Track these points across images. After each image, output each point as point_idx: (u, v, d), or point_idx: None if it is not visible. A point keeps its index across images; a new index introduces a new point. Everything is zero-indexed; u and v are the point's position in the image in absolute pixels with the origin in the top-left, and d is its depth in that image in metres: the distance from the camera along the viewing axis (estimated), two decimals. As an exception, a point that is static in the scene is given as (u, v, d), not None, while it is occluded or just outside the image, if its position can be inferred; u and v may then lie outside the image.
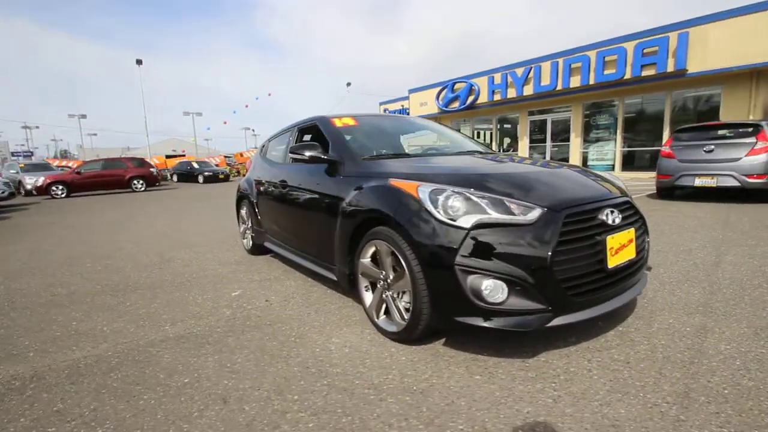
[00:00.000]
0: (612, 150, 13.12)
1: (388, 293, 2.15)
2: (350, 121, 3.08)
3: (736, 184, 6.16)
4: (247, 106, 53.08)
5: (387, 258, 2.11)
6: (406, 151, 3.10)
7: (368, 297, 2.35)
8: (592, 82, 12.08)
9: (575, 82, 12.54)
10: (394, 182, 2.11)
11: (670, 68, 10.27)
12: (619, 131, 12.72)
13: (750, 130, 6.29)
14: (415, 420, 1.51)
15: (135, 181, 17.20)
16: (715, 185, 6.35)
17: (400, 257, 1.98)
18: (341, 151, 2.69)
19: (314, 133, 3.40)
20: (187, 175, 24.97)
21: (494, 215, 1.77)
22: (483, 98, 15.84)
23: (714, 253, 3.59)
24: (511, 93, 14.65)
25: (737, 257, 3.44)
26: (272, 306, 2.80)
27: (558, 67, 12.92)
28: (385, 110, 23.91)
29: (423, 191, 1.93)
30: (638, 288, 2.13)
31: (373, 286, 2.35)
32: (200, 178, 23.56)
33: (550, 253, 1.71)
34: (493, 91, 15.33)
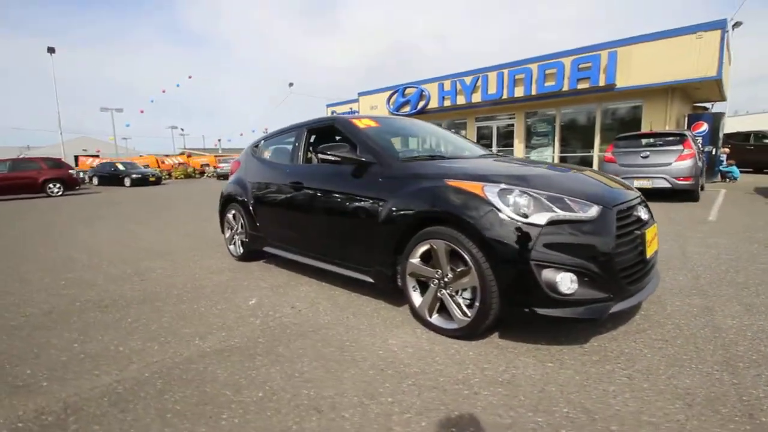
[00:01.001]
0: (550, 155, 14.34)
1: (444, 291, 2.20)
2: (372, 123, 3.07)
3: (667, 185, 7.11)
4: (164, 91, 48.48)
5: (445, 257, 2.15)
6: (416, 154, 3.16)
7: (417, 297, 2.37)
8: (534, 92, 13.13)
9: (519, 92, 13.53)
10: (454, 183, 2.17)
11: (602, 83, 11.55)
12: (556, 138, 13.96)
13: (677, 138, 7.33)
14: (521, 408, 1.58)
15: (50, 185, 15.17)
16: (650, 187, 7.26)
17: (465, 255, 2.04)
18: (375, 152, 2.68)
19: (329, 133, 3.33)
20: (111, 177, 22.64)
21: (561, 213, 1.91)
22: (433, 104, 16.41)
23: (676, 245, 4.14)
24: (461, 100, 15.38)
25: (696, 248, 4.01)
26: (302, 313, 2.69)
27: (504, 78, 13.84)
28: (333, 113, 23.72)
29: (491, 191, 2.02)
30: (658, 277, 2.41)
31: (422, 285, 2.38)
32: (127, 181, 21.49)
33: (613, 246, 1.89)
34: (443, 97, 15.97)
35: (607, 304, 1.91)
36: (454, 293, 2.17)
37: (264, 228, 3.72)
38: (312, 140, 3.46)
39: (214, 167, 32.00)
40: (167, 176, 28.88)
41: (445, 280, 2.19)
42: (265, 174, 3.71)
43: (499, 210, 1.95)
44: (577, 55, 11.91)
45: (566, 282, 1.85)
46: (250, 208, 3.84)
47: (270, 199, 3.58)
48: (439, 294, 2.23)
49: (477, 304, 2.04)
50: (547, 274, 1.85)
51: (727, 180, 11.44)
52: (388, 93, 18.45)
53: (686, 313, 2.44)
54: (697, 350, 1.98)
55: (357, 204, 2.66)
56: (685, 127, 11.56)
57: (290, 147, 3.61)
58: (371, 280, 2.65)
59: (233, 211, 4.19)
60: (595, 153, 12.80)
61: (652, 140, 7.66)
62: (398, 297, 2.82)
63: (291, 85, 33.62)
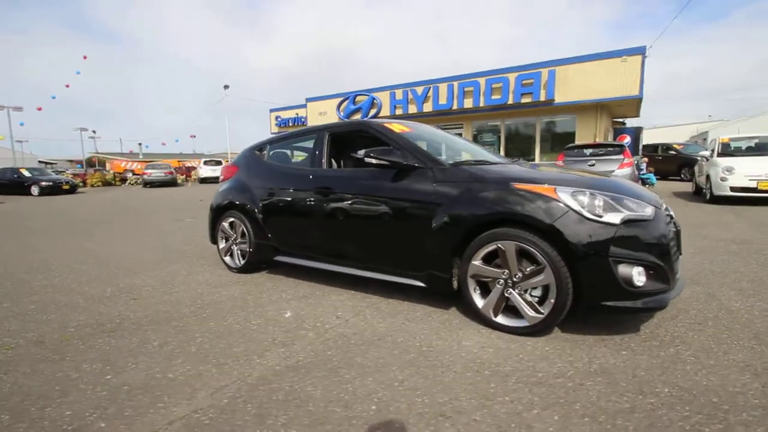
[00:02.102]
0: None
1: (513, 291, 2.28)
2: (405, 128, 3.07)
3: (612, 190, 8.00)
4: (68, 86, 42.66)
5: (513, 257, 2.24)
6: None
7: (478, 298, 2.42)
8: (481, 104, 14.01)
9: (468, 103, 14.34)
10: (522, 186, 2.26)
11: (542, 98, 12.71)
12: (501, 148, 14.99)
13: (618, 149, 8.30)
14: (629, 393, 1.70)
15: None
16: (598, 191, 8.10)
17: (538, 254, 2.14)
18: (424, 156, 2.69)
19: (354, 138, 3.25)
20: (13, 185, 19.60)
21: (630, 212, 2.10)
22: (385, 112, 16.70)
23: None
24: (412, 109, 15.85)
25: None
26: (352, 322, 2.60)
27: (453, 89, 14.57)
28: (277, 117, 23.01)
29: (564, 193, 2.15)
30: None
31: (482, 286, 2.44)
32: (34, 190, 18.77)
33: (668, 241, 2.12)
34: (395, 106, 16.33)
35: (667, 295, 2.12)
36: (522, 292, 2.26)
37: (277, 236, 3.51)
38: (335, 145, 3.36)
39: (138, 174, 29.17)
40: (81, 184, 25.65)
41: (514, 279, 2.27)
42: (280, 179, 3.51)
43: (576, 211, 2.09)
44: (521, 72, 12.97)
45: (638, 275, 2.04)
46: (258, 215, 3.60)
47: (287, 206, 3.39)
48: (506, 293, 2.30)
49: (552, 301, 2.14)
50: (623, 269, 2.02)
51: (646, 186, 13.20)
52: (338, 100, 18.40)
53: (698, 299, 2.79)
54: (728, 330, 2.28)
55: (406, 208, 2.65)
56: (612, 139, 13.13)
57: (308, 151, 3.46)
58: (422, 285, 2.65)
59: (231, 219, 3.89)
60: (537, 161, 13.97)
61: (596, 150, 8.59)
62: (444, 300, 2.86)
63: (226, 87, 31.73)
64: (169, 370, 2.04)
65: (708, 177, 7.95)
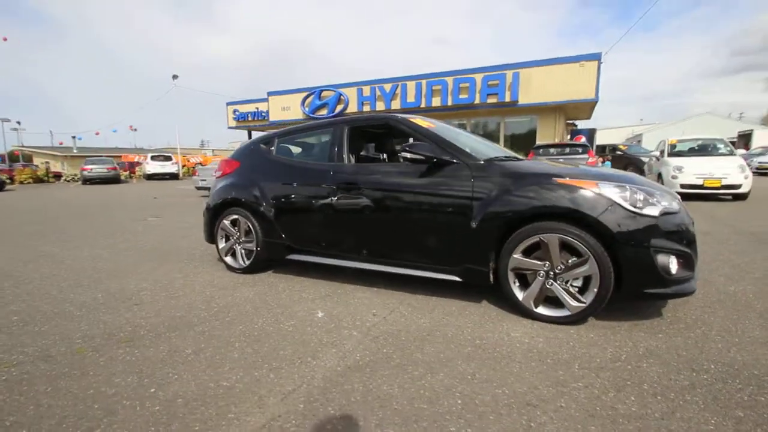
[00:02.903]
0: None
1: (555, 282, 2.37)
2: (431, 124, 3.07)
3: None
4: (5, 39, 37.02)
5: (556, 249, 2.33)
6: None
7: (518, 290, 2.49)
8: (449, 103, 14.34)
9: (436, 102, 14.61)
10: (564, 181, 2.36)
11: (507, 99, 13.26)
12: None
13: (582, 149, 8.87)
14: (684, 371, 1.84)
15: None
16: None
17: (581, 246, 2.25)
18: (459, 152, 2.71)
19: (377, 132, 3.20)
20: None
21: (664, 205, 2.26)
22: (352, 108, 16.56)
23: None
24: (380, 106, 15.86)
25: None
26: (390, 319, 2.57)
27: (422, 88, 14.77)
28: (235, 111, 22.01)
29: (606, 187, 2.27)
30: None
31: (521, 279, 2.51)
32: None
33: (693, 232, 2.31)
34: (363, 102, 16.24)
35: (694, 281, 2.32)
36: (564, 283, 2.36)
37: (293, 234, 3.37)
38: (354, 139, 3.28)
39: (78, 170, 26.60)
40: (9, 180, 22.93)
41: (556, 271, 2.36)
42: (294, 174, 3.36)
43: (620, 205, 2.21)
44: (487, 73, 13.43)
45: (674, 264, 2.21)
46: (268, 212, 3.43)
47: (305, 203, 3.26)
48: (547, 285, 2.39)
49: (595, 290, 2.26)
50: (661, 258, 2.18)
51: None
52: (303, 94, 17.99)
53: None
54: (736, 311, 2.54)
55: (443, 204, 2.66)
56: (569, 140, 14.00)
57: (324, 145, 3.36)
58: (458, 279, 2.67)
59: (233, 217, 3.68)
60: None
61: (562, 150, 9.13)
62: (473, 294, 2.91)
63: (175, 77, 29.69)
64: (220, 379, 1.90)
65: (659, 175, 8.74)
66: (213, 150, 48.99)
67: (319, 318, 2.62)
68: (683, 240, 2.26)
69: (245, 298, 3.06)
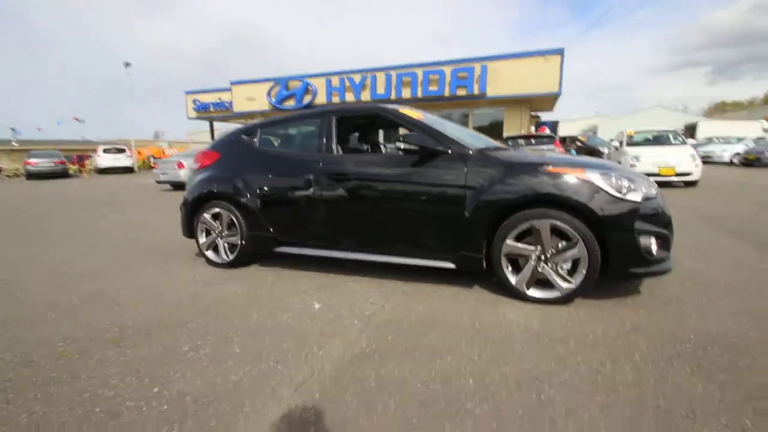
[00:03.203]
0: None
1: (546, 266, 2.49)
2: (420, 115, 3.08)
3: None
4: None
5: (548, 234, 2.44)
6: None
7: (510, 274, 2.59)
8: (419, 95, 14.42)
9: (406, 93, 14.65)
10: (554, 169, 2.46)
11: (476, 91, 13.52)
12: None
13: (549, 140, 9.24)
14: (670, 343, 2.00)
15: None
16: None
17: (570, 230, 2.37)
18: (448, 141, 2.75)
19: (365, 122, 3.18)
20: None
21: (645, 191, 2.42)
22: (321, 99, 16.27)
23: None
24: (350, 97, 15.69)
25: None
26: (387, 307, 2.60)
27: (391, 79, 14.74)
28: (195, 101, 21.03)
29: (594, 175, 2.39)
30: None
31: (513, 263, 2.61)
32: None
33: (669, 214, 2.50)
34: (332, 93, 16.00)
35: (670, 260, 2.51)
36: (554, 266, 2.48)
37: (281, 227, 3.31)
38: (341, 129, 3.24)
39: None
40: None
41: (547, 255, 2.48)
42: (281, 166, 3.29)
43: (606, 191, 2.34)
44: (456, 65, 13.61)
45: (654, 245, 2.37)
46: (254, 205, 3.34)
47: (294, 195, 3.20)
48: (539, 268, 2.51)
49: (583, 271, 2.39)
50: (644, 240, 2.34)
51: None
52: (269, 84, 17.46)
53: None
54: (705, 286, 2.77)
55: (437, 193, 2.70)
56: (534, 131, 14.51)
57: (311, 136, 3.30)
58: (452, 266, 2.74)
59: (215, 211, 3.56)
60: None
61: (531, 141, 9.47)
62: (462, 279, 2.99)
63: (127, 65, 27.81)
64: (227, 374, 1.85)
65: (619, 164, 9.27)
66: (169, 142, 46.56)
67: (317, 309, 2.61)
68: (661, 222, 2.44)
69: (234, 292, 2.98)
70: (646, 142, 9.87)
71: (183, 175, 12.19)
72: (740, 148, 16.34)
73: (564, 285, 2.45)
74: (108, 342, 2.23)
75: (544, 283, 2.54)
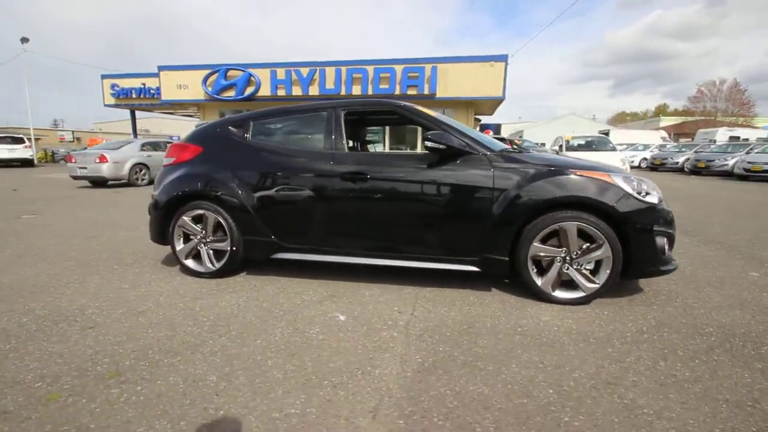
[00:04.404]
0: (382, 150, 16.02)
1: (571, 267, 2.55)
2: (433, 113, 2.98)
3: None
4: None
5: (574, 236, 2.51)
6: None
7: (536, 276, 2.62)
8: (370, 92, 14.31)
9: (357, 90, 14.44)
10: (582, 172, 2.52)
11: (426, 91, 13.77)
12: (386, 137, 15.66)
13: (503, 141, 9.69)
14: (696, 336, 2.16)
15: None
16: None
17: (596, 232, 2.46)
18: (473, 142, 2.69)
19: (376, 118, 2.99)
20: None
21: (658, 194, 2.59)
22: (265, 91, 15.40)
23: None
24: (297, 91, 15.06)
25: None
26: (418, 315, 2.48)
27: (341, 75, 14.43)
28: (113, 87, 18.73)
29: (618, 178, 2.49)
30: None
31: (536, 265, 2.64)
32: None
33: (673, 216, 2.71)
34: (277, 86, 15.22)
35: (674, 259, 2.71)
36: (579, 267, 2.55)
37: (281, 230, 2.99)
38: (348, 124, 3.02)
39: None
40: None
41: (572, 256, 2.54)
42: (282, 162, 2.97)
43: (630, 194, 2.46)
44: (407, 65, 13.74)
45: (666, 245, 2.55)
46: (249, 206, 2.99)
47: (299, 195, 2.91)
48: (564, 270, 2.56)
49: (607, 271, 2.50)
50: (659, 240, 2.50)
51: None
52: (204, 72, 16.14)
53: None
54: (690, 280, 3.07)
55: (463, 194, 2.63)
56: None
57: (315, 130, 3.03)
58: (476, 269, 2.69)
59: (197, 213, 3.12)
60: (419, 151, 15.15)
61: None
62: (480, 282, 2.97)
63: (25, 41, 23.68)
64: (282, 407, 1.60)
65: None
66: (73, 132, 40.85)
67: (343, 321, 2.40)
68: (669, 223, 2.63)
69: (237, 306, 2.64)
70: (581, 147, 10.85)
71: (106, 169, 10.79)
72: (647, 154, 18.77)
73: (589, 285, 2.54)
74: (104, 377, 1.82)
75: (566, 284, 2.61)
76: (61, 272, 3.35)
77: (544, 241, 2.59)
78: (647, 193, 2.54)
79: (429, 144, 2.60)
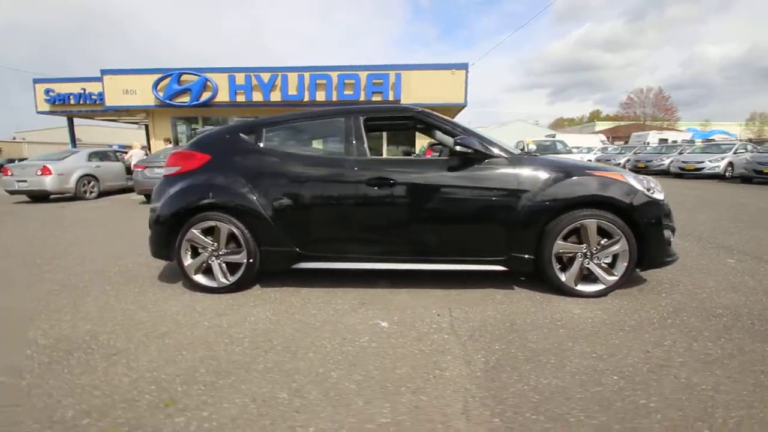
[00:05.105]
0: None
1: (592, 262, 2.72)
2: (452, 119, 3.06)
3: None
4: None
5: (594, 233, 2.69)
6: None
7: (560, 272, 2.76)
8: (334, 99, 14.20)
9: (321, 96, 14.27)
10: (598, 173, 2.71)
11: (391, 98, 13.92)
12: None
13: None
14: (712, 318, 2.39)
15: None
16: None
17: (615, 228, 2.65)
18: (495, 146, 2.80)
19: (392, 123, 3.02)
20: None
21: (661, 190, 2.84)
22: (223, 97, 14.74)
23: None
24: (257, 97, 14.56)
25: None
26: (458, 316, 2.52)
27: (305, 81, 14.19)
28: (48, 92, 17.07)
29: (630, 177, 2.71)
30: None
31: (559, 261, 2.79)
32: None
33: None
34: (236, 92, 14.62)
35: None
36: (599, 261, 2.73)
37: (304, 239, 2.90)
38: (368, 130, 3.01)
39: None
40: None
41: (592, 251, 2.72)
42: (302, 170, 2.88)
43: (641, 192, 2.68)
44: (372, 71, 13.84)
45: (671, 237, 2.80)
46: (268, 216, 2.88)
47: (323, 202, 2.85)
48: (585, 264, 2.73)
49: (624, 264, 2.70)
50: (667, 233, 2.75)
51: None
52: (155, 76, 15.14)
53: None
54: (681, 268, 3.38)
55: (490, 196, 2.72)
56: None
57: (333, 137, 2.99)
58: (503, 269, 2.79)
59: (209, 224, 2.95)
60: (384, 155, 15.26)
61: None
62: (500, 280, 3.08)
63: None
64: (373, 417, 1.57)
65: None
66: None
67: (387, 328, 2.38)
68: (669, 216, 2.89)
69: (268, 320, 2.52)
70: (541, 150, 11.54)
71: (50, 182, 9.81)
72: (592, 156, 20.31)
73: (609, 278, 2.72)
74: (159, 406, 1.67)
75: (585, 278, 2.78)
76: (45, 297, 3.01)
77: (564, 238, 2.74)
78: (654, 191, 2.78)
79: (459, 148, 2.67)
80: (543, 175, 2.73)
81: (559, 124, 73.23)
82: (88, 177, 10.62)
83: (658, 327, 2.30)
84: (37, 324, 2.52)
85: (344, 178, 2.84)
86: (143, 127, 23.70)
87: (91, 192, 10.66)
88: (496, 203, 2.73)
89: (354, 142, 2.92)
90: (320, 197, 2.88)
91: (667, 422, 1.50)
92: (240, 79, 14.58)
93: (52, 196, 10.24)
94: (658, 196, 2.78)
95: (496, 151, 2.78)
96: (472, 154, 2.70)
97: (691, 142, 23.05)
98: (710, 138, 28.34)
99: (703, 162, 13.39)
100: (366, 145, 2.94)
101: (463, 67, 13.79)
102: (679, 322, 2.36)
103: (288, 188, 2.90)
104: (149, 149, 16.17)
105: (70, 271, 3.72)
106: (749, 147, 14.58)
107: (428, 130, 3.34)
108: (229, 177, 2.96)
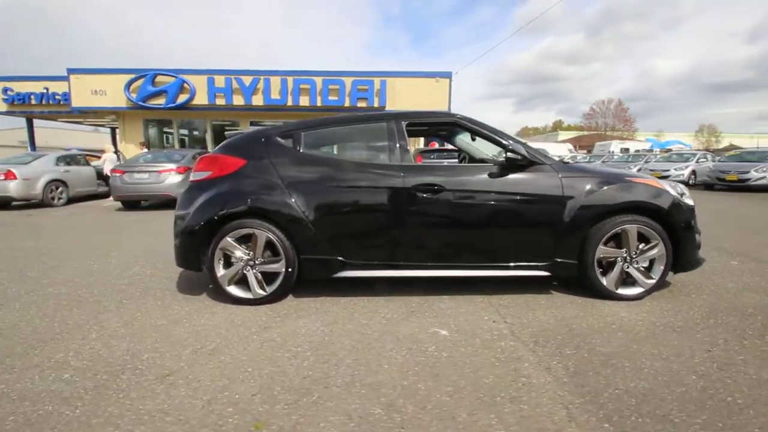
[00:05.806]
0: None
1: (631, 266, 2.82)
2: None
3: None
4: None
5: (634, 238, 2.78)
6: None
7: (602, 277, 2.83)
8: (319, 104, 14.05)
9: (305, 101, 14.08)
10: (637, 180, 2.82)
11: (376, 104, 13.95)
12: (334, 150, 15.50)
13: (459, 153, 10.23)
14: (745, 318, 2.54)
15: None
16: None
17: (654, 233, 2.76)
18: (539, 154, 2.85)
19: (437, 128, 3.02)
20: None
21: (689, 195, 2.99)
22: (201, 100, 14.23)
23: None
24: (238, 100, 14.17)
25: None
26: (512, 323, 2.52)
27: (288, 85, 13.96)
28: (6, 91, 15.83)
29: (666, 184, 2.83)
30: None
31: (600, 265, 2.86)
32: None
33: (694, 216, 3.15)
34: (216, 95, 14.17)
35: (699, 253, 3.14)
36: (637, 266, 2.83)
37: (349, 247, 2.82)
38: (401, 132, 2.98)
39: None
40: None
41: (632, 256, 2.82)
42: (346, 176, 2.81)
43: (676, 197, 2.81)
44: (357, 77, 13.83)
45: (699, 240, 2.96)
46: (309, 223, 2.78)
47: (370, 209, 2.79)
48: (625, 269, 2.82)
49: (661, 268, 2.81)
50: (697, 237, 2.89)
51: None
52: (127, 77, 14.44)
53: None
54: (697, 272, 3.56)
55: (536, 202, 2.77)
56: (423, 146, 15.79)
57: (374, 143, 2.94)
58: (546, 273, 2.83)
59: (244, 232, 2.81)
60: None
61: (441, 154, 10.33)
62: (538, 285, 3.12)
63: None
64: (482, 428, 1.53)
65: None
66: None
67: (449, 336, 2.35)
68: (697, 221, 3.05)
69: (321, 332, 2.43)
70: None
71: (14, 188, 9.09)
72: (564, 163, 21.18)
73: (648, 281, 2.83)
74: (251, 430, 1.55)
75: (624, 282, 2.88)
76: (56, 313, 2.76)
77: (605, 243, 2.82)
78: (685, 196, 2.93)
79: (510, 155, 2.70)
80: (586, 181, 2.81)
81: (525, 133, 76.03)
82: (57, 182, 9.91)
83: (704, 327, 2.41)
84: (62, 344, 2.30)
85: (390, 184, 2.79)
86: (109, 130, 22.48)
87: (60, 198, 9.94)
88: (544, 209, 2.78)
89: (398, 146, 2.89)
90: (365, 204, 2.82)
91: (763, 417, 1.56)
92: (220, 81, 14.16)
93: (14, 203, 9.47)
94: (689, 201, 2.93)
95: (540, 158, 2.83)
96: (521, 160, 2.74)
97: (650, 150, 24.60)
98: (668, 148, 30.35)
99: (668, 170, 14.32)
100: (410, 150, 2.92)
101: (448, 75, 14.07)
102: (721, 323, 2.48)
103: (330, 194, 2.82)
104: (117, 152, 15.32)
105: (72, 284, 3.43)
106: (709, 156, 15.75)
107: (472, 135, 3.34)
108: (267, 182, 2.84)
